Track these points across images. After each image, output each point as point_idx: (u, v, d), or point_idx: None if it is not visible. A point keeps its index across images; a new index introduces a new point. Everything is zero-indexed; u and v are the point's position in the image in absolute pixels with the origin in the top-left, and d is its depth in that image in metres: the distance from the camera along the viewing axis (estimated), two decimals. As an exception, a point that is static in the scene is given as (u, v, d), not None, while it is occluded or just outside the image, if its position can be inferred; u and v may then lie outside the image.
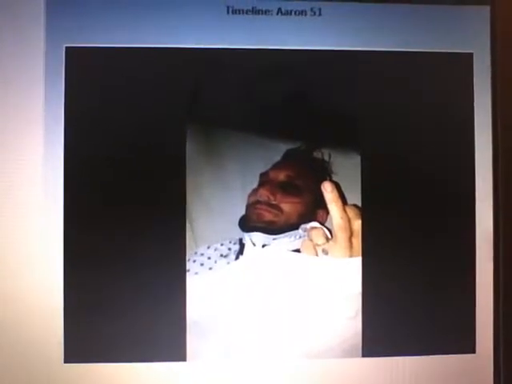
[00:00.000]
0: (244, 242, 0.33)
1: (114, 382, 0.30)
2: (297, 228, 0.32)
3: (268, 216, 0.32)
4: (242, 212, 0.33)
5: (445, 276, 0.32)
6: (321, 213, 0.33)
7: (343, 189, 0.32)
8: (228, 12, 0.31)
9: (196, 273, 0.32)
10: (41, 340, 0.30)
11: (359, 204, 0.31)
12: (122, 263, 0.30)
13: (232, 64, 0.31)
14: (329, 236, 0.32)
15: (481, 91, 0.32)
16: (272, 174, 0.33)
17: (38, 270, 0.30)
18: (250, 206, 0.33)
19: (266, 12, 0.31)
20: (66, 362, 0.30)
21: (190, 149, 0.31)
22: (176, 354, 0.30)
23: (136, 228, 0.30)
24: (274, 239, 0.32)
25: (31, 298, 0.30)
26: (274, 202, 0.33)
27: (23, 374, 0.30)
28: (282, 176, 0.33)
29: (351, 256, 0.31)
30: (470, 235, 0.32)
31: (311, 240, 0.32)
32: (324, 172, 0.33)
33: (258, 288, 0.31)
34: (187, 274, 0.30)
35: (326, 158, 0.33)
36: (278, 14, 0.31)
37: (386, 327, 0.31)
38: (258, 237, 0.32)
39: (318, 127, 0.32)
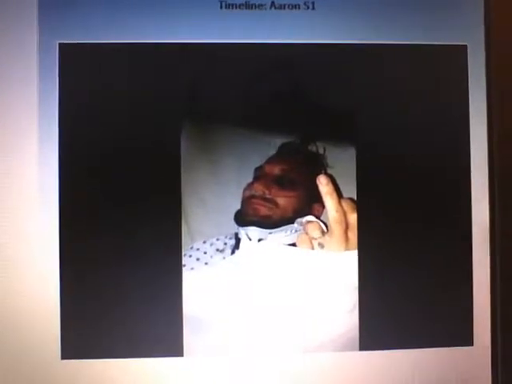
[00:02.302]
0: (240, 236, 0.33)
1: (111, 378, 0.30)
2: (292, 222, 0.32)
3: (263, 210, 0.32)
4: (238, 206, 0.32)
5: (441, 268, 0.31)
6: (316, 206, 0.33)
7: (338, 182, 0.32)
8: (221, 7, 0.31)
9: (192, 268, 0.32)
10: (38, 336, 0.30)
11: (355, 197, 0.31)
12: (117, 259, 0.30)
13: (225, 59, 0.31)
14: (325, 230, 0.32)
15: (475, 83, 0.32)
16: (267, 168, 0.33)
17: (34, 267, 0.30)
18: (245, 201, 0.32)
19: (259, 6, 0.31)
20: (63, 358, 0.30)
21: (185, 144, 0.31)
22: (173, 349, 0.30)
23: (131, 224, 0.30)
24: (269, 233, 0.32)
25: (28, 295, 0.30)
26: (269, 196, 0.33)
27: (20, 371, 0.30)
28: (276, 170, 0.33)
29: (347, 249, 0.31)
30: (467, 226, 0.32)
31: (307, 234, 0.32)
32: (319, 165, 0.33)
33: (254, 282, 0.31)
34: (183, 269, 0.30)
35: (321, 151, 0.33)
36: (271, 7, 0.31)
37: (383, 320, 0.31)
38: (254, 231, 0.32)
39: (313, 121, 0.32)
